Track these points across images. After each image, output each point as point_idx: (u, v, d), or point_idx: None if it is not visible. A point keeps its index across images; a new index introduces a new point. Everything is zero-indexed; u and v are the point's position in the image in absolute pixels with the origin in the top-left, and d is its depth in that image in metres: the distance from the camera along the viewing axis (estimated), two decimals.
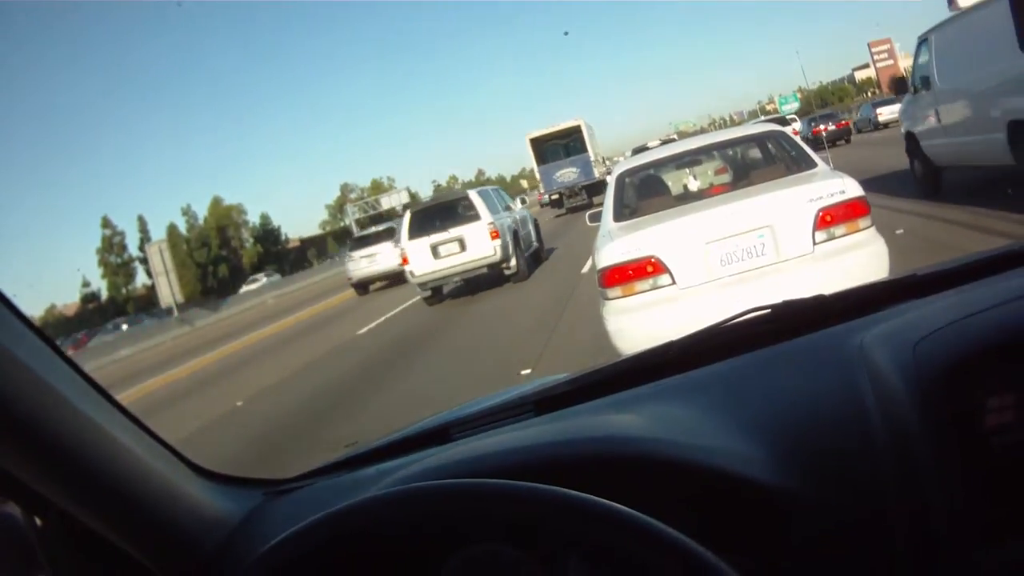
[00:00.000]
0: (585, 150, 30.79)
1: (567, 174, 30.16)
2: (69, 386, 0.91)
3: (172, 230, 75.12)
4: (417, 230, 13.75)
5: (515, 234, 14.41)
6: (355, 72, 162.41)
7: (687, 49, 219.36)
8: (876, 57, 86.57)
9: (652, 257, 4.71)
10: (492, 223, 13.55)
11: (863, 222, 4.60)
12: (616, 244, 4.84)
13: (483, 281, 14.05)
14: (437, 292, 14.27)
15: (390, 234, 21.19)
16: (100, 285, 69.39)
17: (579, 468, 1.02)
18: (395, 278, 20.07)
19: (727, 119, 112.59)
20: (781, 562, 0.94)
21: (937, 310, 1.11)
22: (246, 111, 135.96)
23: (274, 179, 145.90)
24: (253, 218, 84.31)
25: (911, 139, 10.65)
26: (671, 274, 4.68)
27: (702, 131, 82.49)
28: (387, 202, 75.84)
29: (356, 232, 69.12)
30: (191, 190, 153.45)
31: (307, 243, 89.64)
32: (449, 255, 13.50)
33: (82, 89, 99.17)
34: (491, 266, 13.64)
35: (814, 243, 4.55)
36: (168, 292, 29.91)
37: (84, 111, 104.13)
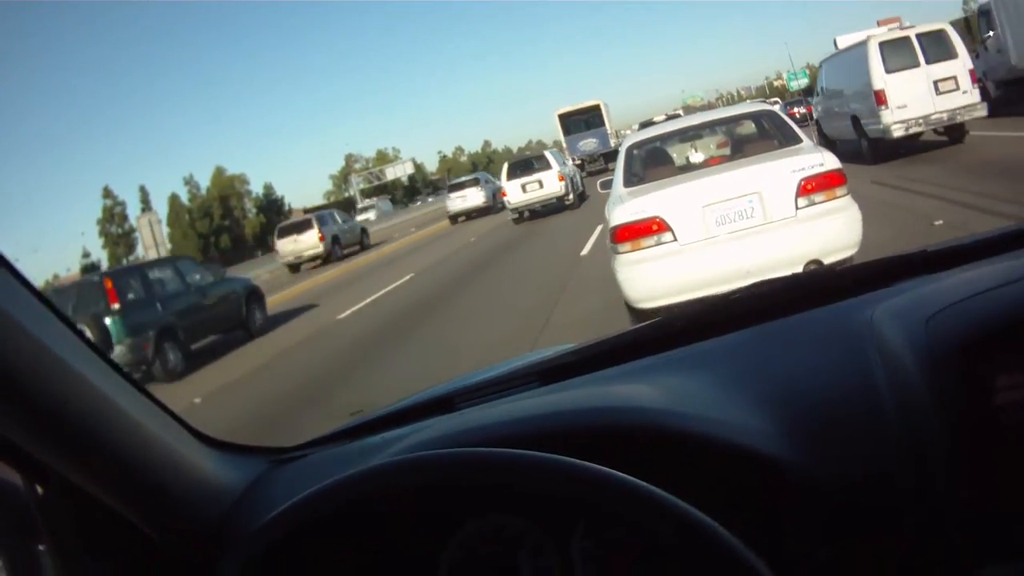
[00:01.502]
0: (603, 124, 37.87)
1: (588, 144, 36.88)
2: (72, 352, 0.90)
3: (174, 200, 75.33)
4: (512, 174, 22.65)
5: (571, 179, 23.31)
6: (361, 42, 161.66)
7: (698, 21, 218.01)
8: None
9: (657, 218, 5.49)
10: (560, 170, 22.46)
11: (840, 191, 5.37)
12: (626, 206, 5.63)
13: (551, 209, 22.68)
14: (521, 215, 22.84)
15: (475, 182, 32.66)
16: (101, 256, 69.69)
17: (585, 438, 1.03)
18: (477, 213, 31.44)
19: (735, 94, 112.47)
20: (788, 535, 0.94)
21: (948, 286, 1.10)
22: (250, 80, 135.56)
23: (278, 149, 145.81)
24: (256, 188, 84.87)
25: (818, 123, 17.40)
26: (673, 232, 5.46)
27: (709, 105, 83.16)
28: (391, 173, 75.83)
29: (359, 202, 69.78)
30: (193, 160, 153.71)
31: (311, 213, 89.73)
32: (532, 191, 22.29)
33: (84, 58, 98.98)
34: (558, 199, 22.40)
35: (796, 208, 5.33)
36: None
37: (86, 81, 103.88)
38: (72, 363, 0.89)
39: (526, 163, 23.23)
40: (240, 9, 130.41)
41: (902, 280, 1.26)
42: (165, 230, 71.94)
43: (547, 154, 23.44)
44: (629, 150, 6.77)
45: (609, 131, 38.07)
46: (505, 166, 23.69)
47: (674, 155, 7.34)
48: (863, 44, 13.12)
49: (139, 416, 0.98)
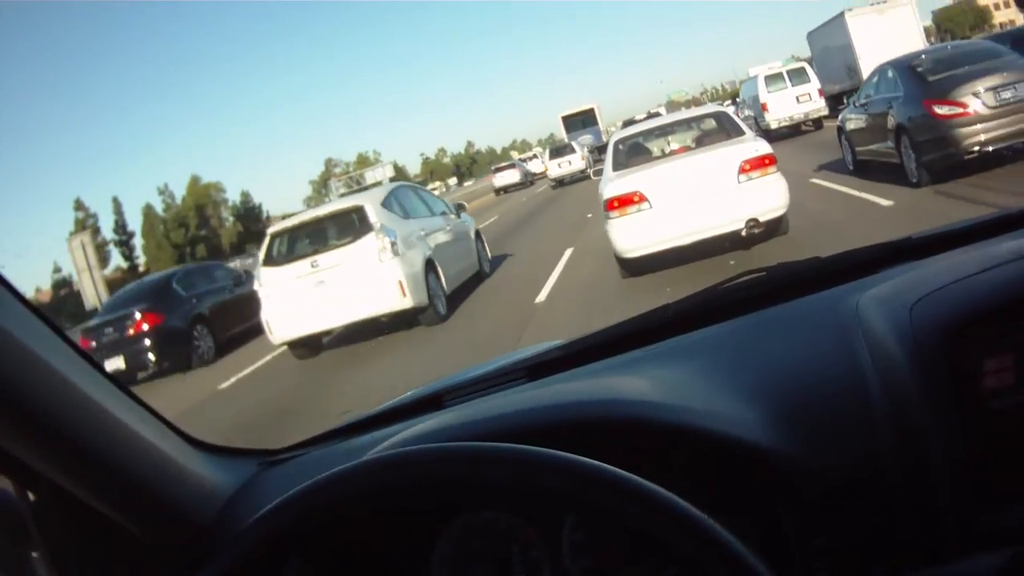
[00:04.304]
0: (596, 123, 53.35)
1: (585, 139, 48.53)
2: (60, 358, 0.95)
3: (148, 211, 75.64)
4: (552, 156, 38.06)
5: (588, 160, 37.63)
6: (342, 46, 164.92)
7: (685, 15, 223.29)
8: None
9: (638, 191, 8.11)
10: (582, 154, 37.51)
11: (771, 169, 7.96)
12: (615, 184, 8.36)
13: (576, 179, 36.00)
14: (556, 183, 36.51)
15: (512, 165, 49.71)
16: (72, 271, 70.23)
17: (573, 432, 1.07)
18: (514, 187, 46.01)
19: (719, 88, 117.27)
20: (779, 526, 1.00)
21: (933, 272, 1.16)
22: (227, 86, 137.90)
23: (255, 155, 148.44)
24: (233, 196, 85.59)
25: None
26: (650, 201, 8.05)
27: (695, 100, 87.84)
28: (371, 176, 77.75)
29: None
30: (168, 169, 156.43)
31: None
32: (564, 167, 36.65)
33: (53, 66, 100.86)
34: (581, 172, 36.29)
35: (738, 181, 7.90)
36: (92, 291, 28.22)
37: (55, 89, 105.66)
38: (60, 368, 0.94)
39: (561, 149, 39.14)
40: (215, 15, 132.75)
41: (887, 267, 1.34)
42: (139, 241, 73.75)
43: (573, 143, 39.67)
44: (615, 144, 9.64)
45: (602, 128, 52.29)
46: (547, 151, 41.88)
47: (651, 146, 10.03)
48: (756, 76, 25.48)
49: (128, 420, 1.04)
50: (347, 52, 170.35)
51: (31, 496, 1.00)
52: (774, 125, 22.88)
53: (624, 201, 8.19)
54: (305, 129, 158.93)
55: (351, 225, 9.55)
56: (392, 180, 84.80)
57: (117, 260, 72.19)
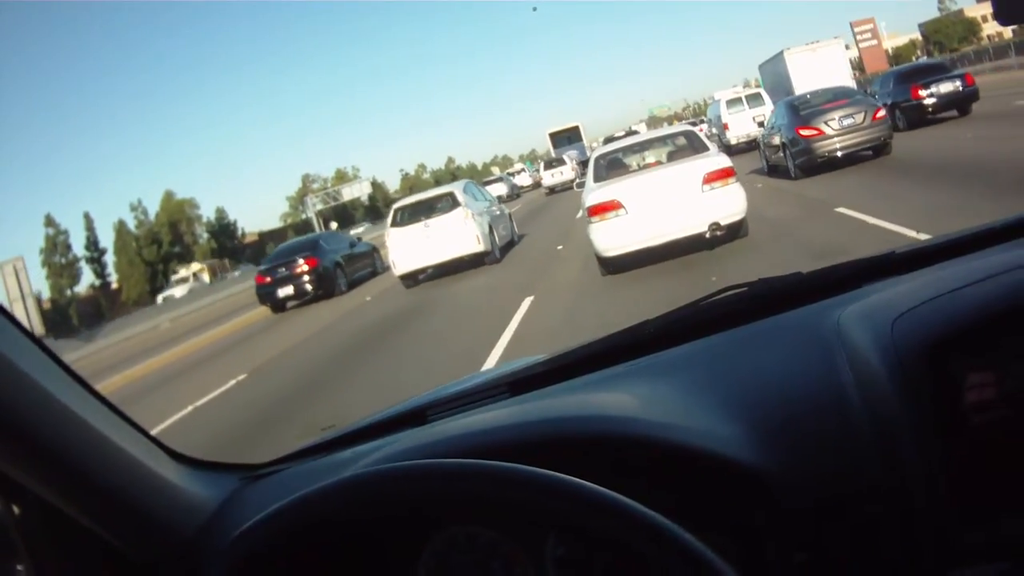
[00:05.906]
0: (581, 140, 61.16)
1: (571, 154, 56.28)
2: (44, 373, 1.01)
3: (121, 227, 77.32)
4: (546, 167, 48.49)
5: (577, 171, 44.97)
6: (319, 61, 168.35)
7: (664, 29, 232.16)
8: (859, 38, 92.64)
9: (616, 199, 9.93)
10: (572, 166, 47.39)
11: (730, 180, 9.88)
12: (596, 193, 10.27)
13: (566, 188, 43.51)
14: (550, 191, 45.72)
15: (500, 179, 58.36)
16: (43, 287, 69.55)
17: (554, 448, 1.13)
18: (503, 200, 49.71)
19: (701, 104, 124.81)
20: (761, 541, 1.06)
21: (915, 288, 1.22)
22: (202, 101, 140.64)
23: (231, 171, 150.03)
24: (207, 212, 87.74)
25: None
26: (626, 208, 9.89)
27: (676, 115, 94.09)
28: (348, 193, 78.76)
29: (317, 224, 76.58)
30: (141, 185, 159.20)
31: (266, 237, 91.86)
32: (557, 177, 46.35)
33: (20, 78, 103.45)
34: (571, 181, 44.10)
35: (702, 191, 9.77)
36: (26, 322, 23.66)
37: (23, 102, 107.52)
38: (44, 383, 1.00)
39: (553, 162, 48.13)
40: (188, 23, 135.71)
41: (869, 283, 1.41)
42: (111, 259, 76.36)
43: (565, 156, 48.94)
44: (596, 159, 11.62)
45: (586, 144, 59.23)
46: (542, 163, 50.98)
47: (628, 160, 11.83)
48: (719, 100, 31.05)
49: (112, 435, 1.10)
50: (326, 67, 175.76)
51: (16, 509, 1.04)
52: (734, 141, 28.54)
53: (604, 208, 10.05)
54: (282, 144, 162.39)
55: (446, 202, 17.17)
56: (370, 197, 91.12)
57: (89, 277, 75.10)
